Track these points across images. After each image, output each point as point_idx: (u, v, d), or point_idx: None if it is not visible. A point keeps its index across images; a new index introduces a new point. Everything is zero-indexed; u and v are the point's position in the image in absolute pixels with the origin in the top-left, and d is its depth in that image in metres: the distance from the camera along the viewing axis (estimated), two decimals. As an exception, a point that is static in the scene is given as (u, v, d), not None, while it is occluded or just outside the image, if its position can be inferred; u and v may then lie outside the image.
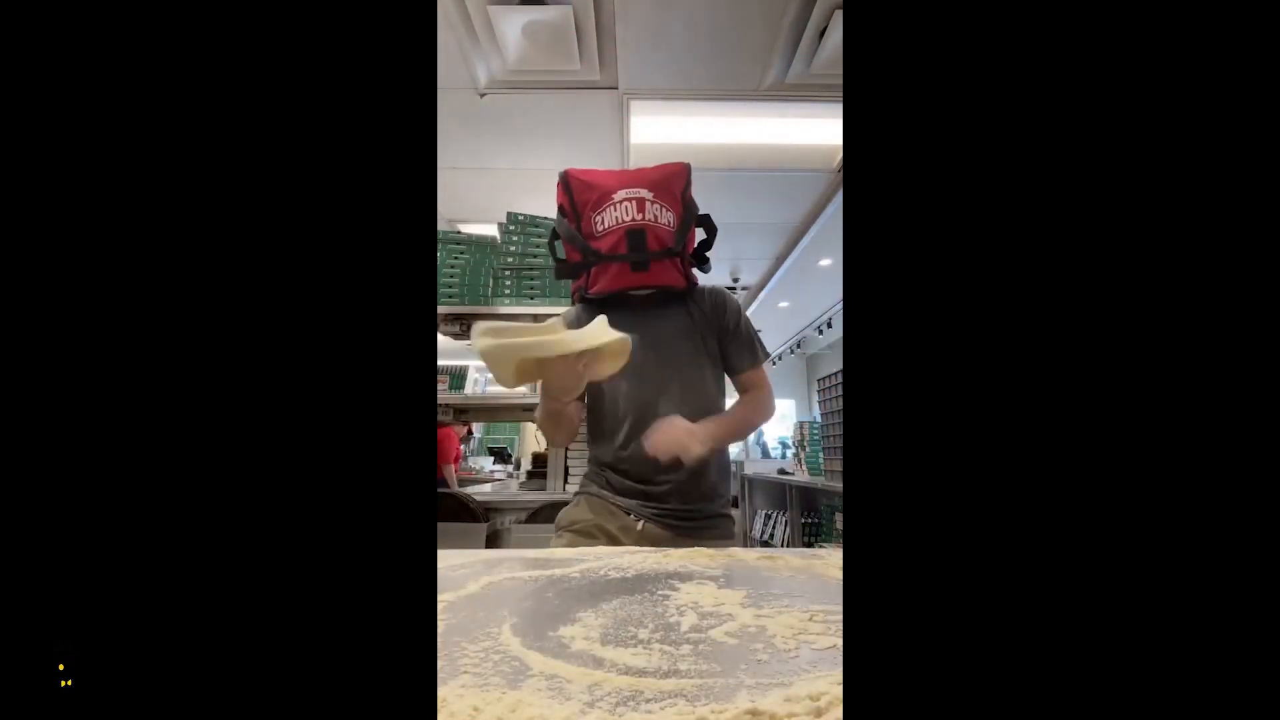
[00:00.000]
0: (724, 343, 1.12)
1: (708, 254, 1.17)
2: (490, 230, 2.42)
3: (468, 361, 3.71)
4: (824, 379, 3.50)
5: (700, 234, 1.17)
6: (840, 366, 3.54)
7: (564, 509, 1.12)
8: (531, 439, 6.24)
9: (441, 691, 0.35)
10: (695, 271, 1.15)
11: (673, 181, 1.11)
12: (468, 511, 2.14)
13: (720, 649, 0.43)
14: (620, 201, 1.06)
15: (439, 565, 0.71)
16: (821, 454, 3.58)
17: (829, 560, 0.74)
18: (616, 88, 2.40)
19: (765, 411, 1.13)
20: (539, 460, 3.00)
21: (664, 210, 1.08)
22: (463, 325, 2.31)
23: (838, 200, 3.22)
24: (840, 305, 5.37)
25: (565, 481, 2.28)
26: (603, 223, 1.07)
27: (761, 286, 4.87)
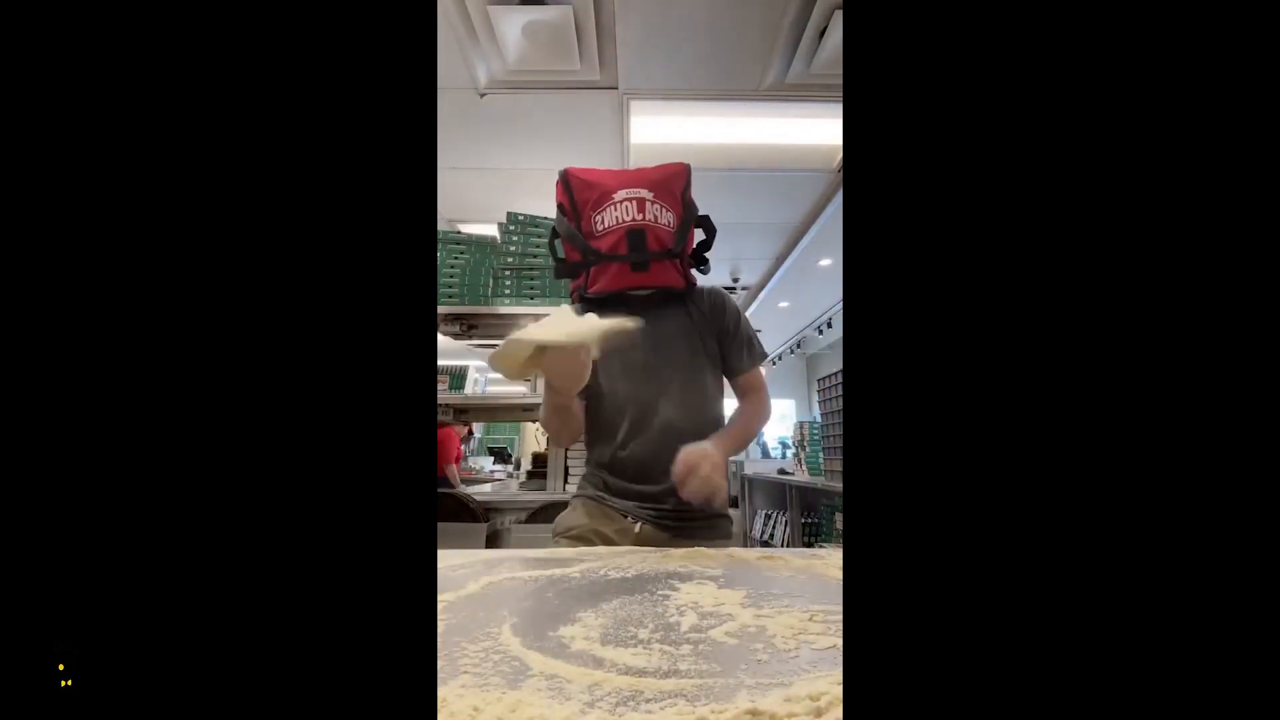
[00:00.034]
0: (723, 344, 1.12)
1: (706, 255, 1.17)
2: (490, 230, 2.42)
3: (468, 361, 3.71)
4: (824, 379, 3.50)
5: (699, 234, 1.17)
6: (840, 366, 3.54)
7: (560, 515, 1.12)
8: (532, 439, 6.24)
9: (441, 691, 0.35)
10: (694, 272, 1.15)
11: (673, 182, 1.11)
12: (468, 511, 2.14)
13: (720, 649, 0.43)
14: (621, 201, 1.06)
15: (439, 565, 0.71)
16: (821, 454, 3.58)
17: (829, 560, 0.74)
18: (616, 88, 2.40)
19: (765, 415, 1.15)
20: (539, 460, 3.00)
21: (664, 211, 1.08)
22: (463, 325, 2.31)
23: (838, 200, 3.22)
24: (840, 305, 5.37)
25: (565, 481, 2.29)
26: (603, 222, 1.07)
27: (761, 286, 4.86)
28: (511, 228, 2.29)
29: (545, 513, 2.15)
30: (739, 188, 3.15)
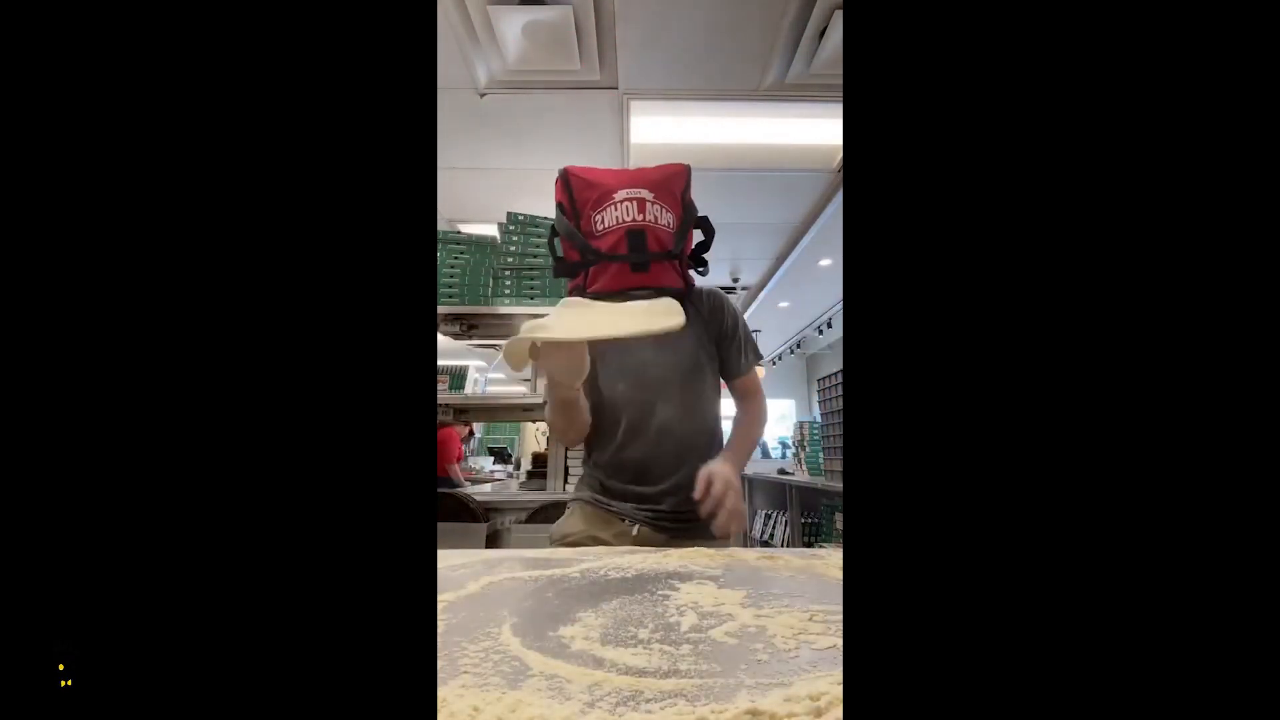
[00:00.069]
0: (721, 345, 1.12)
1: (704, 256, 1.17)
2: (490, 230, 2.42)
3: (468, 361, 3.71)
4: (824, 379, 3.50)
5: (697, 235, 1.17)
6: (840, 366, 3.54)
7: (558, 521, 1.12)
8: (531, 439, 6.23)
9: (441, 691, 0.35)
10: (692, 273, 1.15)
11: (673, 182, 1.11)
12: (468, 511, 2.14)
13: (720, 649, 0.43)
14: (621, 201, 1.06)
15: (439, 565, 0.71)
16: (821, 454, 3.58)
17: (829, 560, 0.74)
18: (616, 88, 2.40)
19: (765, 421, 1.17)
20: (539, 460, 3.00)
21: (664, 211, 1.08)
22: (463, 325, 2.31)
23: (838, 200, 3.23)
24: (840, 305, 5.37)
25: (565, 481, 2.29)
26: (603, 222, 1.07)
27: (761, 286, 4.87)
28: (511, 228, 2.29)
29: (545, 513, 2.15)
30: (739, 187, 3.15)
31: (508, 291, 2.22)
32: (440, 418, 2.38)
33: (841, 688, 0.34)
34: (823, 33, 2.09)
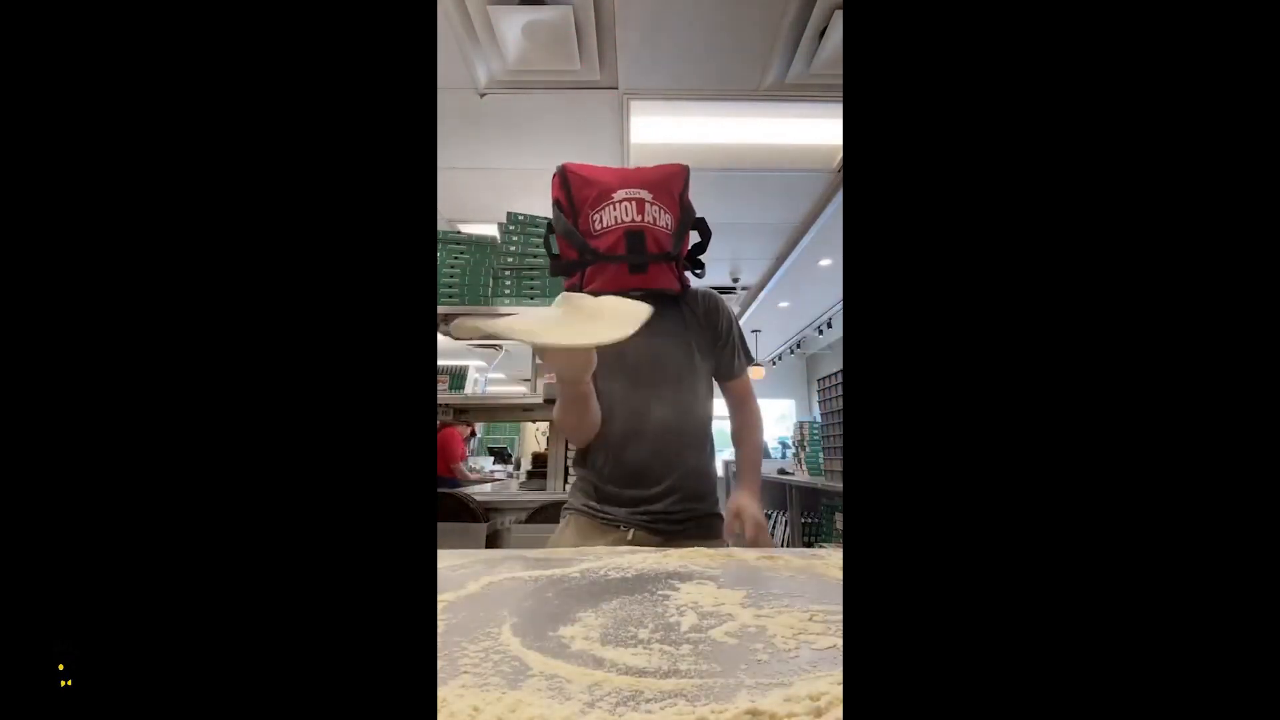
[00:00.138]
0: (716, 347, 1.12)
1: (701, 257, 1.17)
2: (490, 230, 2.42)
3: (468, 361, 3.71)
4: (824, 379, 3.50)
5: (694, 236, 1.17)
6: (840, 366, 3.55)
7: (553, 535, 1.11)
8: (532, 439, 6.24)
9: (441, 691, 0.35)
10: (688, 275, 1.15)
11: (672, 182, 1.10)
12: (468, 511, 2.14)
13: (720, 649, 0.43)
14: (620, 201, 1.06)
15: (439, 565, 0.71)
16: (821, 454, 3.58)
17: (829, 560, 0.74)
18: (616, 88, 2.40)
19: (762, 429, 1.18)
20: (539, 460, 3.00)
21: (663, 212, 1.07)
22: (463, 325, 2.31)
23: (838, 200, 3.23)
24: (840, 305, 5.37)
25: (565, 481, 2.29)
26: (601, 221, 1.06)
27: (761, 286, 4.87)
28: (511, 228, 2.29)
29: (545, 513, 2.15)
30: (739, 187, 3.15)
31: (508, 291, 2.22)
32: (441, 418, 2.38)
33: (841, 688, 0.34)
34: (823, 33, 2.09)
